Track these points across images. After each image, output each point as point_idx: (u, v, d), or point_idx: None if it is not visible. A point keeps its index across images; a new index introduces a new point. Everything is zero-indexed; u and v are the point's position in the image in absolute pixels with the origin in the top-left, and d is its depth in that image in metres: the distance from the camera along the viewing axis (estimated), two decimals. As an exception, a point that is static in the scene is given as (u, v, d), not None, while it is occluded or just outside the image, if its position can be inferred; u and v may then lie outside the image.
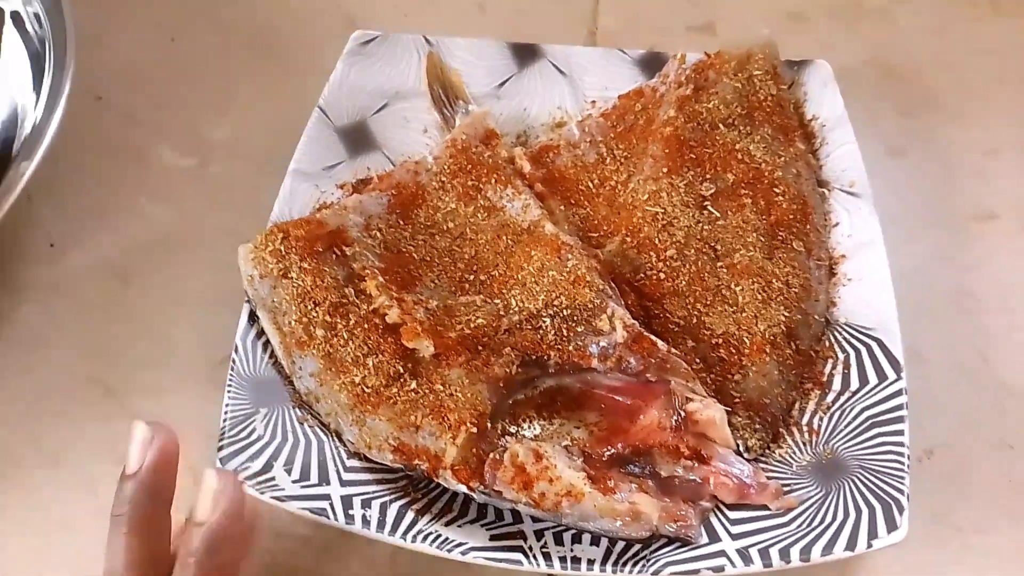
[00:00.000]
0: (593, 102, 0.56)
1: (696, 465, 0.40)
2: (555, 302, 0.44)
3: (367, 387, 0.42)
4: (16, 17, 0.56)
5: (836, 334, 0.45)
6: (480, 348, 0.43)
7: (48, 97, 0.50)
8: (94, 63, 0.61)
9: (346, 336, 0.43)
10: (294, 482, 0.39)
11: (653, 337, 0.43)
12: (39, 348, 0.49)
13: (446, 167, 0.50)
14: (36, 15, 0.54)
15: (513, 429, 0.43)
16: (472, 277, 0.47)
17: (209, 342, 0.48)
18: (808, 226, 0.48)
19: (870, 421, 0.41)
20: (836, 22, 0.65)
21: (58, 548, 0.43)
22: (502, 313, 0.45)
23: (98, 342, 0.49)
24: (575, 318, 0.43)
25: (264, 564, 0.42)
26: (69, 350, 0.49)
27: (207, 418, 0.43)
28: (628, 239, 0.47)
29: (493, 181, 0.50)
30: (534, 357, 0.43)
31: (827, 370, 0.44)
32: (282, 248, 0.45)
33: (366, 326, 0.43)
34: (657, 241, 0.47)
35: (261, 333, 0.44)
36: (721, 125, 0.51)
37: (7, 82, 0.54)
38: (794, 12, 0.66)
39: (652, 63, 0.56)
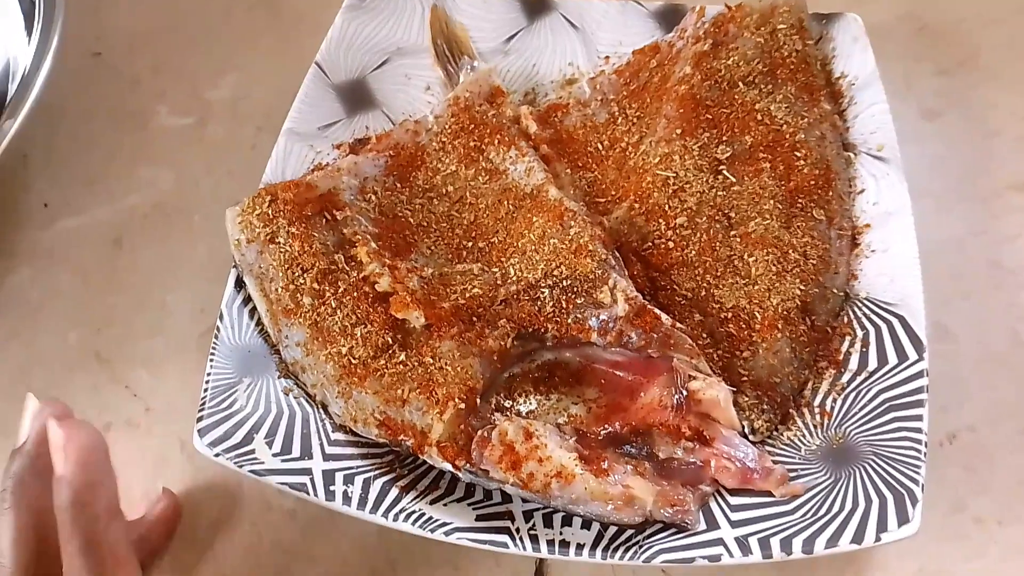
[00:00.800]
0: (607, 58, 0.53)
1: (697, 447, 0.38)
2: (555, 272, 0.42)
3: (354, 358, 0.40)
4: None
5: (855, 309, 0.42)
6: (475, 319, 0.41)
7: (36, 50, 0.48)
8: (94, 19, 0.59)
9: (334, 304, 0.41)
10: (275, 455, 0.38)
11: (657, 311, 0.40)
12: (31, 314, 0.48)
13: (447, 127, 0.48)
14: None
15: (508, 404, 0.41)
16: (470, 244, 0.45)
17: (202, 309, 0.47)
18: (831, 193, 0.45)
19: (887, 404, 0.38)
20: (873, -28, 0.61)
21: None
22: (499, 283, 0.42)
23: (91, 309, 0.48)
24: (575, 289, 0.41)
25: (249, 539, 0.41)
26: (61, 316, 0.48)
27: (191, 388, 0.41)
28: (636, 205, 0.45)
29: (496, 142, 0.47)
30: (531, 330, 0.41)
31: (844, 348, 0.41)
32: (270, 212, 0.43)
33: (355, 294, 0.42)
34: (667, 208, 0.44)
35: (248, 300, 0.43)
36: (740, 83, 0.47)
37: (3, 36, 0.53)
38: (828, -39, 0.62)
39: (670, 16, 0.53)
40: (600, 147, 0.49)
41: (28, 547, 0.30)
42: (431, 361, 0.39)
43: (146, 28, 0.60)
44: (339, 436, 0.40)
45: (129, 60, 0.58)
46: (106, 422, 0.44)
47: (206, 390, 0.39)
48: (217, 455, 0.37)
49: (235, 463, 0.37)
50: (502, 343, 0.40)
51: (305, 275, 0.42)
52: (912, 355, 0.39)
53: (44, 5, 0.51)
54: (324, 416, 0.40)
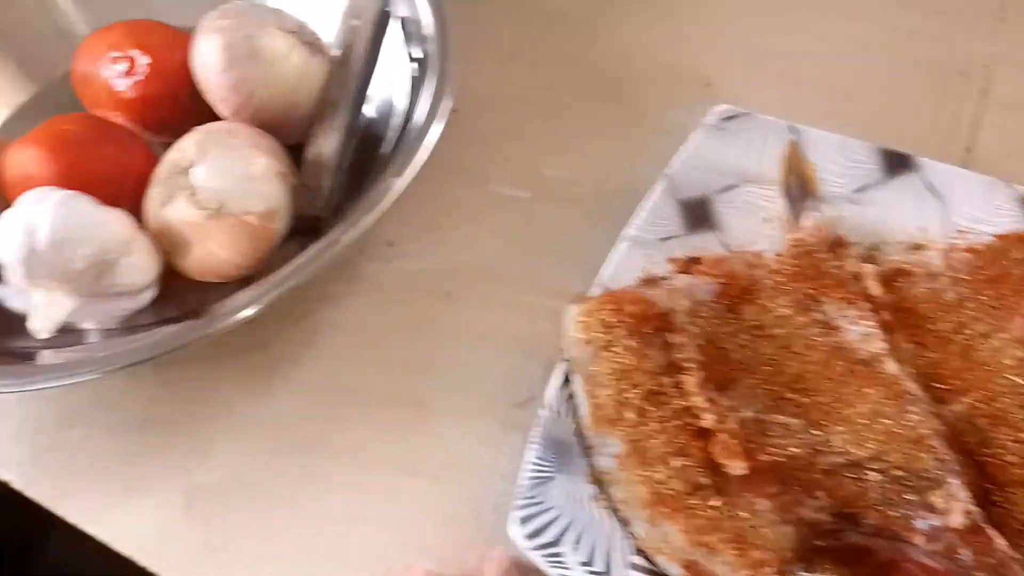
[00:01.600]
0: (962, 232, 0.51)
1: None
2: (886, 457, 0.40)
3: (668, 489, 0.40)
4: (405, 21, 0.60)
5: None
6: (792, 482, 0.40)
7: (429, 110, 0.53)
8: (457, 74, 0.64)
9: (656, 427, 0.42)
10: (580, 564, 0.39)
11: (991, 532, 0.38)
12: (360, 339, 0.52)
13: (787, 267, 0.48)
14: (422, 24, 0.57)
15: (805, 576, 0.40)
16: (793, 397, 0.44)
17: (512, 382, 0.49)
18: None
19: None
20: None
21: (344, 540, 0.45)
22: (820, 448, 0.42)
23: (414, 350, 0.51)
24: (906, 483, 0.40)
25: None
26: (386, 350, 0.51)
27: (493, 456, 0.44)
28: (980, 405, 0.42)
29: (836, 297, 0.47)
30: (849, 511, 0.40)
31: None
32: (613, 319, 0.44)
33: (677, 423, 0.42)
34: (1017, 418, 0.42)
35: (570, 396, 0.44)
36: (1122, 303, 0.44)
37: (385, 77, 0.58)
38: None
39: (1042, 206, 0.50)
40: (945, 328, 0.46)
41: None
42: (747, 516, 0.39)
43: (502, 93, 0.64)
44: (635, 560, 0.40)
45: (481, 121, 0.62)
46: (411, 467, 0.47)
47: (525, 480, 0.41)
48: (531, 548, 0.39)
49: (546, 561, 0.38)
50: (817, 516, 0.39)
51: (634, 391, 0.43)
52: None
53: (438, 59, 0.55)
54: (627, 534, 0.41)
